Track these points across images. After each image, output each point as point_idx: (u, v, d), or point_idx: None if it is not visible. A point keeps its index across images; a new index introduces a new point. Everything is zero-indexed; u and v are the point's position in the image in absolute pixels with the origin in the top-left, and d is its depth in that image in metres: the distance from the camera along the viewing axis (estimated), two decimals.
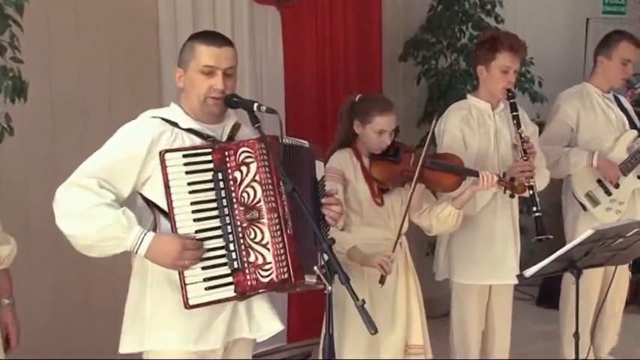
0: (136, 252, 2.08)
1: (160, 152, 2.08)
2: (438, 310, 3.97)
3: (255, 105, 2.14)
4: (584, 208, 3.67)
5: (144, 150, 2.12)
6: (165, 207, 2.08)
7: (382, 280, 2.84)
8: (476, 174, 2.97)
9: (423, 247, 4.49)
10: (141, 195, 2.17)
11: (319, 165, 2.36)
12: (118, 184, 2.13)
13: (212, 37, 2.23)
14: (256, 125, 2.12)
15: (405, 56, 4.64)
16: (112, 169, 2.12)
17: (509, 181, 3.03)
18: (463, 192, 2.99)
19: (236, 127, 2.31)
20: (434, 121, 2.99)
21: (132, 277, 2.25)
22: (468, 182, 3.00)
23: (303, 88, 4.20)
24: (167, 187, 2.06)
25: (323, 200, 2.29)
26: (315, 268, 2.03)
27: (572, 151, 3.65)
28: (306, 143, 2.31)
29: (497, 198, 3.23)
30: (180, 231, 2.06)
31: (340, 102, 3.18)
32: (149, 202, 2.15)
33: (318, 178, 2.34)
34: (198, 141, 2.20)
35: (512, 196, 3.08)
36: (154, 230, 2.12)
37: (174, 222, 2.06)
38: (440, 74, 4.60)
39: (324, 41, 4.26)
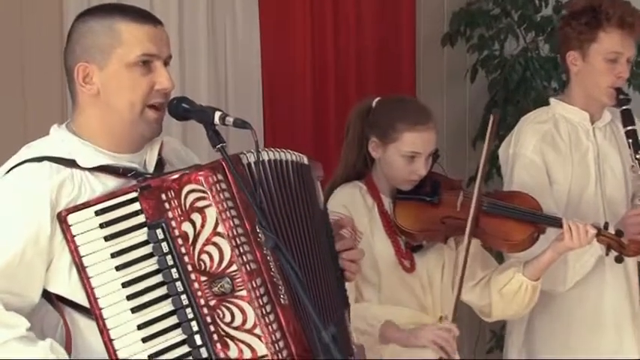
0: None
1: (59, 215, 2.06)
2: None
3: (218, 115, 2.16)
4: None
5: (46, 220, 2.07)
6: (83, 300, 2.07)
7: None
8: (559, 224, 2.98)
9: (484, 338, 4.51)
10: (44, 290, 2.13)
11: (318, 188, 2.45)
12: (25, 287, 2.10)
13: (138, 13, 2.23)
14: (219, 146, 2.12)
15: (453, 37, 4.69)
16: (10, 268, 2.07)
17: (615, 235, 3.02)
18: (542, 253, 3.00)
19: (162, 150, 2.30)
20: (487, 136, 3.01)
21: None
22: (549, 237, 3.01)
23: (291, 88, 4.23)
24: (80, 268, 2.05)
25: (337, 245, 2.38)
26: None
27: None
28: (303, 158, 2.37)
29: (605, 262, 3.24)
30: (114, 333, 2.04)
31: (349, 110, 3.24)
32: (56, 299, 2.11)
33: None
34: (112, 183, 2.16)
35: (619, 260, 3.07)
36: (69, 343, 2.10)
37: (103, 321, 2.04)
38: (507, 65, 4.64)
39: (325, 17, 4.30)
